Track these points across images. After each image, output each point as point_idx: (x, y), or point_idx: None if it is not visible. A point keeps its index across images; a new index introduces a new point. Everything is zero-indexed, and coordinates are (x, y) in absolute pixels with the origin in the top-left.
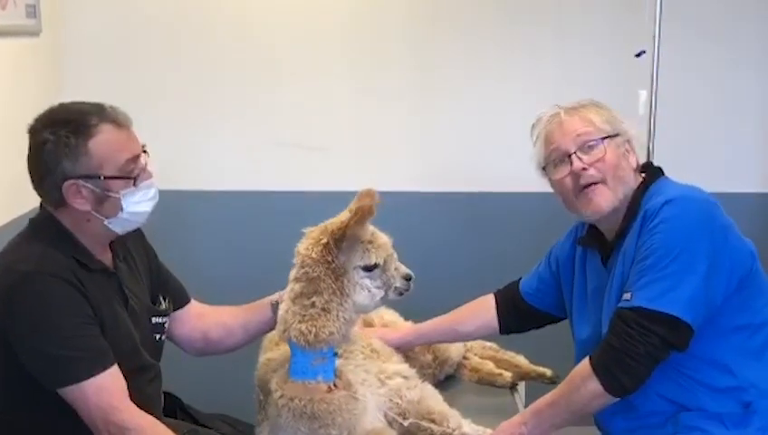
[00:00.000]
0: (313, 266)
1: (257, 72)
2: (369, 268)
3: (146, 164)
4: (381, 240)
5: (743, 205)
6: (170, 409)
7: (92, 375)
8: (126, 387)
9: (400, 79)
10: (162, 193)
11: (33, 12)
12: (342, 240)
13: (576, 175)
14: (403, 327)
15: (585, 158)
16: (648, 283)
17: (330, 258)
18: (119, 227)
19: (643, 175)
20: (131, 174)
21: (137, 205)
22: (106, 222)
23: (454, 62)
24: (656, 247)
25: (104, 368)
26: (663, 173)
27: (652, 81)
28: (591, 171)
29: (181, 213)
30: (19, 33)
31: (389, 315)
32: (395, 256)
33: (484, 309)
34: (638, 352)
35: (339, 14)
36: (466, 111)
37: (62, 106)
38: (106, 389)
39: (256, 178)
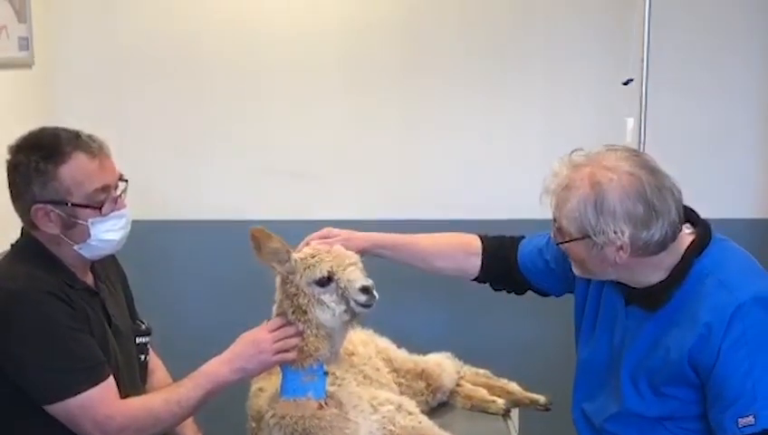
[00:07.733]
0: (279, 288)
1: (246, 101)
2: (321, 283)
3: (120, 194)
4: (327, 254)
5: (733, 231)
6: None
7: (92, 385)
8: (116, 390)
9: (390, 108)
10: (152, 223)
11: (25, 44)
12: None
13: None
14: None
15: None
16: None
17: (284, 279)
18: (88, 252)
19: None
20: (99, 204)
21: (106, 233)
22: (75, 247)
23: (443, 90)
24: (754, 364)
25: (102, 378)
26: (710, 231)
27: (640, 108)
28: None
29: (171, 243)
30: (11, 66)
31: (383, 342)
32: (356, 266)
33: (467, 253)
34: None
35: (329, 44)
36: (457, 139)
37: (42, 130)
38: (101, 400)
39: (245, 207)
